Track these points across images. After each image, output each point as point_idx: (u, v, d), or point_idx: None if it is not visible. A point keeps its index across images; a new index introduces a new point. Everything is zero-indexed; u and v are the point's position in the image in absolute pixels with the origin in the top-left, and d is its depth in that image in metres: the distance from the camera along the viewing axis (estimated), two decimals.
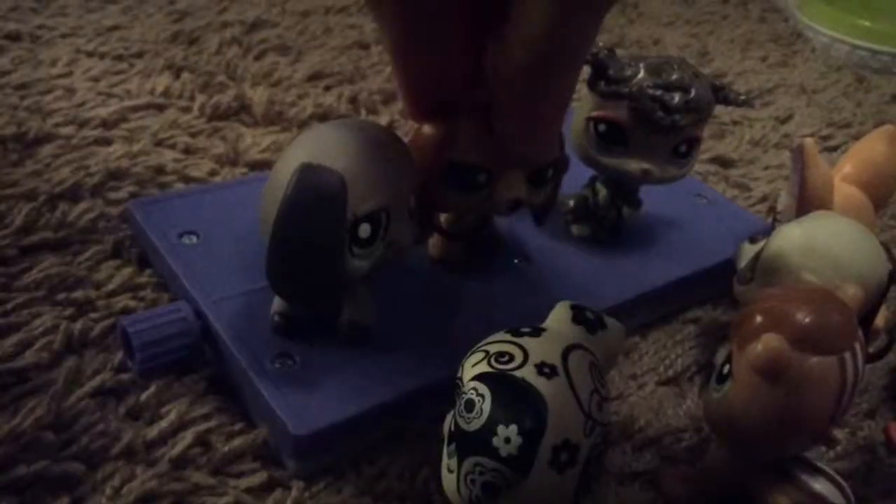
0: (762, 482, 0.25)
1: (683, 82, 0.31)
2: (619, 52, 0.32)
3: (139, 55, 0.49)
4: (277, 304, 0.28)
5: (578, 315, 0.25)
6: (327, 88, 0.49)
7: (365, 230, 0.25)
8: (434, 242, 0.32)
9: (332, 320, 0.28)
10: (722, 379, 0.25)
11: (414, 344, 0.29)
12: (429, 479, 0.26)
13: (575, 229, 0.36)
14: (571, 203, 0.36)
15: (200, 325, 0.28)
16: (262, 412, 0.26)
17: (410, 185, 0.27)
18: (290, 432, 0.25)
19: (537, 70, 0.23)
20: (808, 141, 0.33)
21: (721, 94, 0.33)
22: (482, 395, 0.21)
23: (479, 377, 0.22)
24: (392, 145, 0.26)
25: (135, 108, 0.43)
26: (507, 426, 0.20)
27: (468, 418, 0.21)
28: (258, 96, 0.46)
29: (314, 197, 0.24)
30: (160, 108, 0.44)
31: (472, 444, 0.21)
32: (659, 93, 0.31)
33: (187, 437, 0.26)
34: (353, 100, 0.48)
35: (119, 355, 0.29)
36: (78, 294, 0.31)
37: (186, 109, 0.44)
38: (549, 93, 0.24)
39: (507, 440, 0.20)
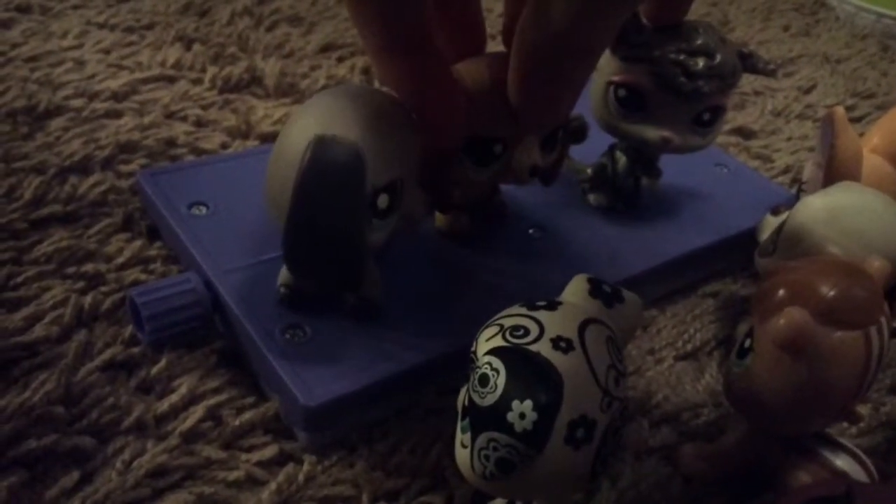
0: (783, 458, 0.25)
1: (708, 47, 0.30)
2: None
3: (150, 27, 0.48)
4: (283, 275, 0.27)
5: (595, 289, 0.24)
6: (340, 60, 0.48)
7: (384, 201, 0.24)
8: (441, 215, 0.32)
9: (340, 293, 0.27)
10: (743, 353, 0.24)
11: (427, 316, 0.28)
12: (442, 453, 0.26)
13: (592, 198, 0.35)
14: (589, 171, 0.35)
15: (210, 296, 0.28)
16: (272, 383, 0.26)
17: (418, 153, 0.26)
18: (301, 403, 0.24)
19: (559, 61, 0.24)
20: (839, 109, 0.32)
21: (748, 62, 0.32)
22: (497, 370, 0.21)
23: (493, 351, 0.21)
24: (399, 112, 0.26)
25: (145, 81, 0.43)
26: (521, 401, 0.20)
27: (482, 393, 0.20)
28: (270, 68, 0.45)
29: (332, 172, 0.23)
30: (171, 81, 0.43)
31: (487, 419, 0.20)
32: (682, 57, 0.30)
33: (198, 410, 0.26)
34: (367, 71, 0.48)
35: (129, 329, 0.28)
36: (88, 267, 0.31)
37: (198, 81, 0.44)
38: (569, 78, 0.25)
39: (522, 415, 0.20)
